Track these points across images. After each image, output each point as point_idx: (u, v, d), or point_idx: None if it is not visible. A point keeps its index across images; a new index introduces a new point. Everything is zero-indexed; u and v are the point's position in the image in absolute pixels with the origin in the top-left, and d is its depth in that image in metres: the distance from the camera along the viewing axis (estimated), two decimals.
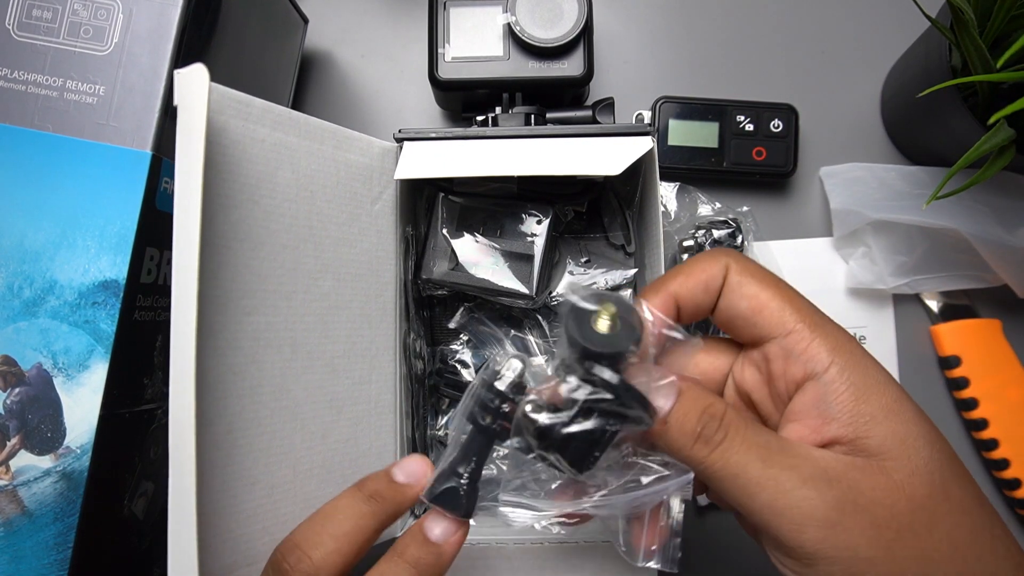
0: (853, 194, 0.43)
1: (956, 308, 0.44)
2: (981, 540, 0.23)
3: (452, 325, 0.42)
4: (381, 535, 0.26)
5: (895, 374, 0.44)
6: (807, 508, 0.22)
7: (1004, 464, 0.41)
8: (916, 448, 0.23)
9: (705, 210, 0.43)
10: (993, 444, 0.41)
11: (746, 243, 0.42)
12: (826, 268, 0.44)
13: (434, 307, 0.42)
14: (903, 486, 0.22)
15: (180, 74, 0.24)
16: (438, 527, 0.25)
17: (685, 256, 0.42)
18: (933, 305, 0.44)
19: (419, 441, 0.40)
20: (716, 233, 0.41)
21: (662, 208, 0.40)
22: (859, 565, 0.22)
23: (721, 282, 0.26)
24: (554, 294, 0.40)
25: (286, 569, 0.25)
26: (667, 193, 0.43)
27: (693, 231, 0.42)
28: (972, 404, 0.42)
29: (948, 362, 0.43)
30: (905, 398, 0.24)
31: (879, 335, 0.44)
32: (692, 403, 0.24)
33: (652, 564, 0.26)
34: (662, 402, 0.23)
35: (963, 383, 0.42)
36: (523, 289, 0.37)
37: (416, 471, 0.27)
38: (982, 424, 0.42)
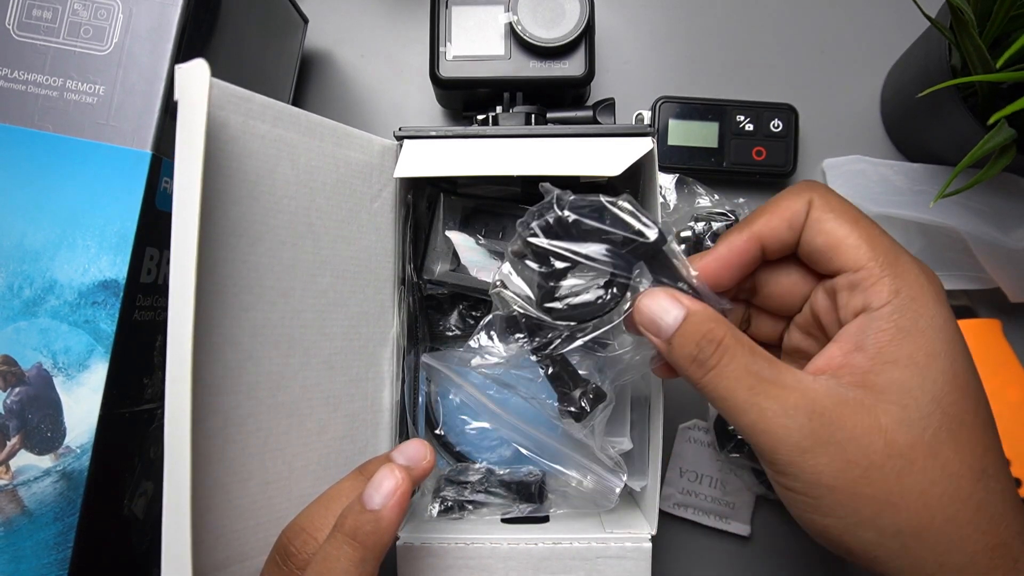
0: (854, 187, 0.43)
1: (955, 308, 0.44)
2: (960, 506, 0.23)
3: (450, 326, 0.41)
4: None
5: None
6: (782, 434, 0.24)
7: None
8: (916, 401, 0.23)
9: (703, 202, 0.43)
10: None
11: None
12: None
13: (435, 306, 0.42)
14: (885, 430, 0.23)
15: (180, 69, 0.24)
16: (377, 494, 0.25)
17: (683, 247, 0.42)
18: None
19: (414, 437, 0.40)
20: (715, 225, 0.41)
21: (661, 200, 0.40)
22: (820, 490, 0.24)
23: (804, 218, 0.27)
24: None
25: (292, 552, 0.25)
26: (666, 184, 0.43)
27: (691, 222, 0.42)
28: None
29: None
30: (943, 357, 0.24)
31: None
32: (694, 328, 0.25)
33: None
34: (668, 321, 0.26)
35: None
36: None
37: (416, 454, 0.27)
38: None
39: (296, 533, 0.26)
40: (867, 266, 0.25)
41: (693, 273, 0.27)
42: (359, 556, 0.24)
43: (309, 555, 0.25)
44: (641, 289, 0.27)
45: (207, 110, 0.24)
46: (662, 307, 0.26)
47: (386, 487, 0.25)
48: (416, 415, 0.40)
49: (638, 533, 0.33)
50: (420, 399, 0.40)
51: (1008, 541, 0.23)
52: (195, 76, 0.24)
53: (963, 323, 0.42)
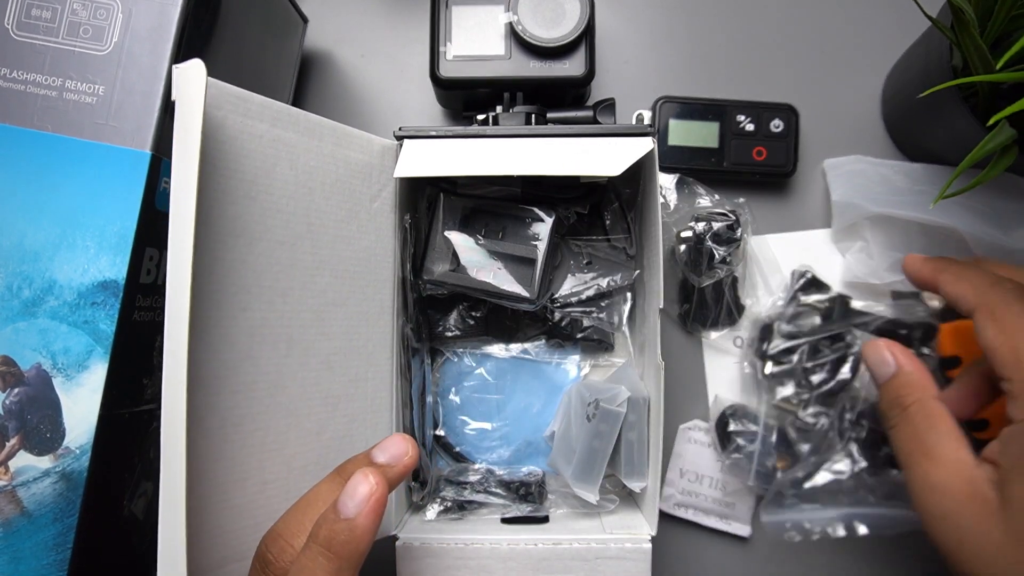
0: (854, 187, 0.43)
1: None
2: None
3: (450, 326, 0.41)
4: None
5: None
6: (919, 499, 0.29)
7: None
8: None
9: (704, 202, 0.43)
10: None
11: (745, 236, 0.42)
12: (824, 261, 0.44)
13: (435, 306, 0.42)
14: (997, 543, 0.26)
15: (178, 69, 0.24)
16: (351, 501, 0.24)
17: (683, 247, 0.42)
18: (934, 304, 0.44)
19: (416, 438, 0.40)
20: (715, 225, 0.41)
21: (661, 200, 0.40)
22: (949, 560, 0.28)
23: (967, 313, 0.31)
24: (556, 296, 0.40)
25: (270, 560, 0.25)
26: (666, 184, 0.43)
27: (692, 222, 0.42)
28: None
29: (948, 362, 0.43)
30: None
31: None
32: (893, 388, 0.32)
33: None
34: (881, 372, 0.33)
35: None
36: (524, 293, 0.37)
37: (397, 451, 0.27)
38: (982, 425, 0.42)
39: (273, 540, 0.25)
40: (1016, 379, 0.27)
41: None
42: (334, 567, 0.23)
43: (287, 562, 0.24)
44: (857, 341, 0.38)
45: (204, 110, 0.24)
46: (878, 359, 0.33)
47: (360, 493, 0.24)
48: (425, 413, 0.40)
49: (638, 534, 0.33)
50: (429, 399, 0.40)
51: None
52: (192, 76, 0.24)
53: (965, 324, 0.42)
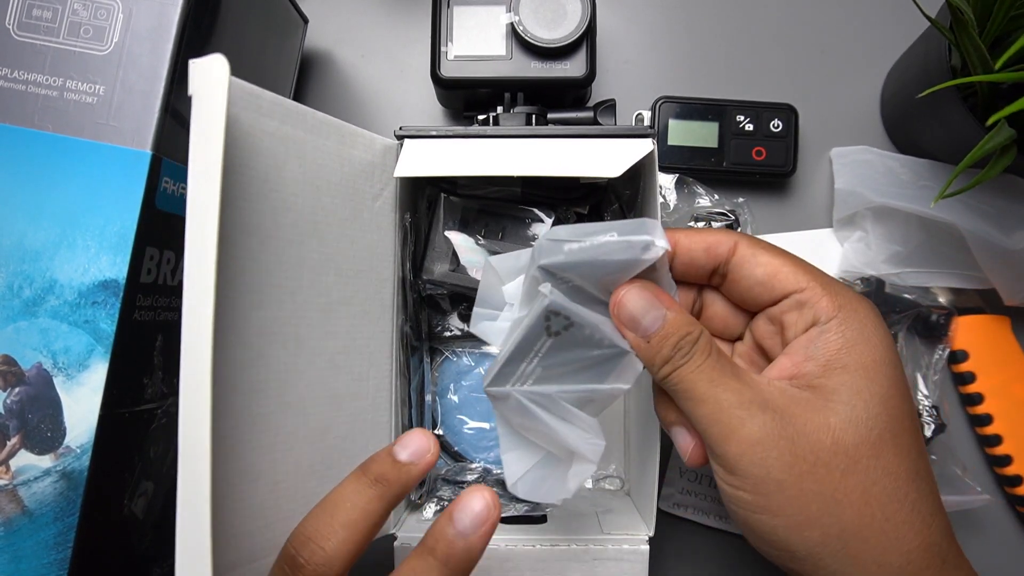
0: (859, 176, 0.42)
1: (967, 309, 0.43)
2: (898, 506, 0.25)
3: (450, 327, 0.41)
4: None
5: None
6: (735, 424, 0.25)
7: (1007, 460, 0.41)
8: (865, 403, 0.25)
9: (703, 202, 0.43)
10: (997, 440, 0.41)
11: None
12: (823, 260, 0.44)
13: (434, 307, 0.42)
14: (834, 428, 0.25)
15: (196, 64, 0.23)
16: (467, 518, 0.24)
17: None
18: (942, 299, 0.44)
19: None
20: (715, 225, 0.41)
21: (660, 200, 0.40)
22: (769, 484, 0.25)
23: (727, 250, 0.28)
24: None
25: (301, 564, 0.24)
26: (666, 184, 0.43)
27: (691, 222, 0.42)
28: (977, 399, 0.42)
29: (955, 356, 0.43)
30: (887, 364, 0.26)
31: None
32: (674, 329, 0.27)
33: None
34: (648, 322, 0.27)
35: (969, 378, 0.42)
36: None
37: (419, 448, 0.27)
38: (986, 420, 0.42)
39: (303, 543, 0.25)
40: (810, 286, 0.27)
41: None
42: None
43: (318, 565, 0.24)
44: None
45: (226, 106, 0.23)
46: (642, 305, 0.27)
47: (479, 514, 0.25)
48: (424, 412, 0.40)
49: (635, 535, 0.33)
50: (428, 397, 0.40)
51: (938, 541, 0.25)
52: (213, 71, 0.23)
53: (974, 318, 0.43)
